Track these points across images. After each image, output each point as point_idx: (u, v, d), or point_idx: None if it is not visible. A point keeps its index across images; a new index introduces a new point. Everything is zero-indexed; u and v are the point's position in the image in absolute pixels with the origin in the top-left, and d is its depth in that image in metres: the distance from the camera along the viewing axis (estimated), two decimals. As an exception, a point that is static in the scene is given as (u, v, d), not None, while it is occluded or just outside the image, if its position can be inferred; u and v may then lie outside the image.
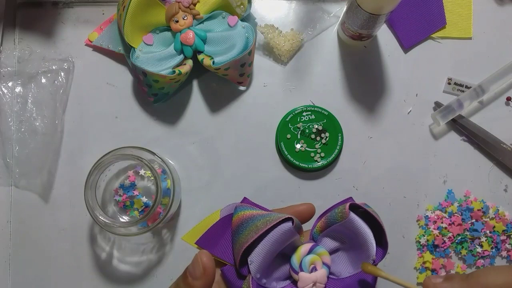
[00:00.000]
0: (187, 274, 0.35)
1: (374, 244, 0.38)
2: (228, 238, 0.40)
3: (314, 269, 0.39)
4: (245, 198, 0.43)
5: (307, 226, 0.41)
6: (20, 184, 0.54)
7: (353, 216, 0.37)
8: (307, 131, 0.54)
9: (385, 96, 0.56)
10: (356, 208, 0.38)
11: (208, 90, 0.56)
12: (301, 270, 0.39)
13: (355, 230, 0.38)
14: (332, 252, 0.40)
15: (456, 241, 0.53)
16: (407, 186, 0.55)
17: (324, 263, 0.39)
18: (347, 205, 0.37)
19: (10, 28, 0.57)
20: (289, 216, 0.37)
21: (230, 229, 0.40)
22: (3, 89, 0.55)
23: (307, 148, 0.54)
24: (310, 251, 0.39)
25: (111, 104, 0.56)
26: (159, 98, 0.54)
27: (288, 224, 0.37)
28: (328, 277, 0.39)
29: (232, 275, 0.38)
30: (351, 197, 0.40)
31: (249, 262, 0.37)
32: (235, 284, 0.38)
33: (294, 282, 0.39)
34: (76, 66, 0.56)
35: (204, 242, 0.39)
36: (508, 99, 0.56)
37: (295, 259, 0.39)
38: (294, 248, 0.39)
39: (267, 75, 0.56)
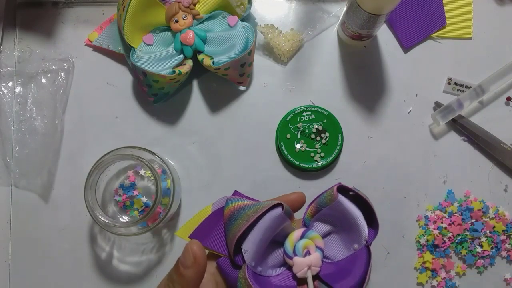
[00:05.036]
0: (179, 264, 0.36)
1: (365, 224, 0.39)
2: (221, 230, 0.40)
3: (307, 253, 0.39)
4: (235, 191, 0.44)
5: (299, 216, 0.41)
6: (20, 184, 0.54)
7: (341, 198, 0.38)
8: (307, 131, 0.54)
9: (385, 96, 0.56)
10: (345, 192, 0.39)
11: (208, 90, 0.56)
12: (295, 255, 0.39)
13: (345, 212, 0.39)
14: (324, 235, 0.41)
15: (456, 241, 0.53)
16: (407, 186, 0.55)
17: (317, 247, 0.40)
18: (335, 187, 0.38)
19: (10, 28, 0.57)
20: (278, 202, 0.38)
21: (222, 222, 0.40)
22: (3, 89, 0.55)
23: (307, 148, 0.54)
24: (302, 236, 0.40)
25: (111, 104, 0.56)
26: (159, 98, 0.54)
27: (278, 210, 0.37)
28: (322, 261, 0.40)
29: (227, 266, 0.39)
30: (339, 182, 0.40)
31: (243, 251, 0.38)
32: (231, 274, 0.38)
33: (290, 268, 0.40)
34: (76, 66, 0.56)
35: (197, 236, 0.40)
36: (508, 99, 0.56)
37: (288, 244, 0.39)
38: (287, 235, 0.40)
39: (267, 75, 0.56)
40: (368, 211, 0.39)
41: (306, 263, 0.38)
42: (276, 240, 0.40)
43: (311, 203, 0.41)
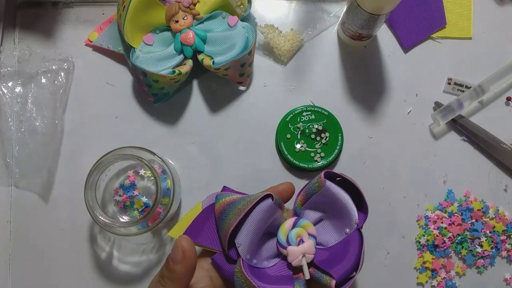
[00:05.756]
0: (169, 259, 0.36)
1: (355, 208, 0.39)
2: (213, 226, 0.40)
3: (301, 241, 0.39)
4: (224, 186, 0.44)
5: (290, 206, 0.41)
6: (20, 184, 0.54)
7: (329, 183, 0.39)
8: (307, 131, 0.54)
9: (385, 96, 0.56)
10: (332, 178, 0.39)
11: (208, 90, 0.56)
12: (289, 244, 0.39)
13: (333, 197, 0.39)
14: (316, 223, 0.41)
15: (456, 241, 0.53)
16: (407, 186, 0.55)
17: (310, 234, 0.40)
18: (322, 173, 0.39)
19: (10, 28, 0.57)
20: (268, 193, 0.38)
21: (214, 218, 0.40)
22: (3, 89, 0.55)
23: (307, 148, 0.54)
24: (294, 225, 0.40)
25: (111, 104, 0.56)
26: (159, 98, 0.54)
27: (268, 201, 0.38)
28: (316, 248, 0.40)
29: (222, 262, 0.39)
30: (327, 170, 0.41)
31: (237, 245, 0.38)
32: (227, 269, 0.39)
33: (284, 258, 0.40)
34: (76, 66, 0.56)
35: (190, 234, 0.40)
36: (508, 99, 0.56)
37: (281, 234, 0.40)
38: (279, 226, 0.40)
39: (267, 75, 0.56)
40: (357, 195, 0.40)
41: (300, 251, 0.39)
42: (269, 231, 0.40)
43: (300, 192, 0.41)
